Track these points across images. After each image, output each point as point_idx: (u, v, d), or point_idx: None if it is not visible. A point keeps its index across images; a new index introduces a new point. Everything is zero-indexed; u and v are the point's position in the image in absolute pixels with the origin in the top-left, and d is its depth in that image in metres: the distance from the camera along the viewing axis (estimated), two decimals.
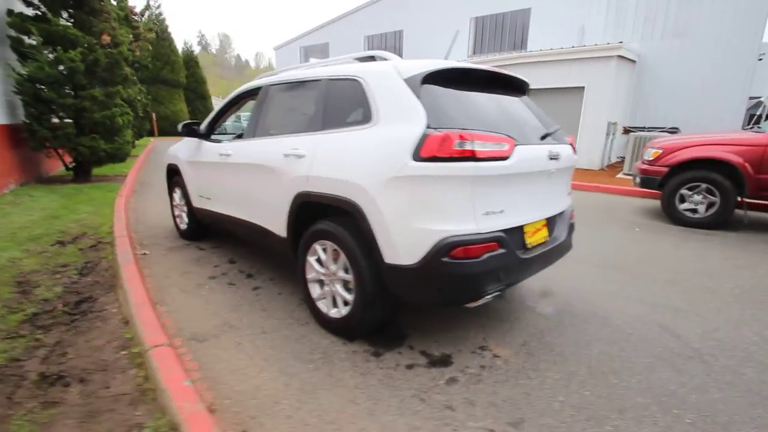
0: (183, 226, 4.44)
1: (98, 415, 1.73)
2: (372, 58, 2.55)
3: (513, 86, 2.60)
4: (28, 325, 2.50)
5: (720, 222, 4.95)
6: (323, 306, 2.54)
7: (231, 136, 4.11)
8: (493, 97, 2.38)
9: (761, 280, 3.52)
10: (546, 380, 2.09)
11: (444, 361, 2.24)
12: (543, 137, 2.36)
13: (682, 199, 5.21)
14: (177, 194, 4.45)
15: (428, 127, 1.94)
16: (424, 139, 1.92)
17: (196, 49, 34.09)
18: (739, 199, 4.85)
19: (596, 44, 11.24)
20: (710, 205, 5.03)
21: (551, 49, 12.05)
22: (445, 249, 1.91)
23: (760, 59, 11.65)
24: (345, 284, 2.38)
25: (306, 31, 23.10)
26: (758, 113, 13.23)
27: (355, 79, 2.34)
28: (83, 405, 1.80)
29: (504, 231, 2.05)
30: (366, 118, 2.22)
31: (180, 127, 3.74)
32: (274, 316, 2.74)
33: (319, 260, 2.52)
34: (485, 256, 1.96)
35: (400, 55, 16.38)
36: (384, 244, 2.05)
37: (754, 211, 5.90)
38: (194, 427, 1.53)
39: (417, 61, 2.20)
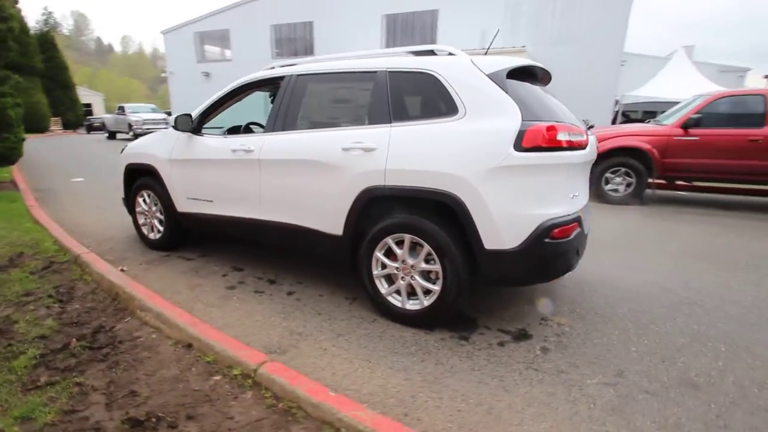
0: (154, 236, 3.85)
1: None
2: (432, 53, 2.59)
3: (544, 79, 2.84)
4: (45, 370, 2.01)
5: (636, 199, 6.10)
6: (395, 300, 2.53)
7: (219, 130, 3.70)
8: (539, 89, 2.60)
9: (691, 241, 4.49)
10: (611, 337, 2.44)
11: (524, 335, 2.44)
12: (589, 128, 2.70)
13: (607, 182, 6.27)
14: (144, 199, 3.84)
15: (523, 119, 2.10)
16: (525, 130, 2.07)
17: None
18: (649, 180, 6.03)
19: (503, 47, 12.59)
20: (628, 185, 6.15)
21: (463, 49, 13.10)
22: (546, 231, 2.11)
23: (622, 65, 14.32)
24: (425, 275, 2.41)
25: (201, 15, 21.03)
26: (616, 110, 16.16)
27: (429, 73, 2.37)
28: None
29: (578, 212, 2.32)
30: (450, 110, 2.28)
31: (176, 119, 3.25)
32: (335, 317, 2.63)
33: (388, 255, 2.50)
34: (573, 234, 2.21)
35: (311, 48, 16.39)
36: (485, 231, 2.15)
37: (660, 189, 7.33)
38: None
39: (492, 58, 2.33)
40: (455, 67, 2.32)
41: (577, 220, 2.26)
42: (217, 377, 1.90)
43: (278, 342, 2.31)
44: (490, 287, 2.99)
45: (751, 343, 2.39)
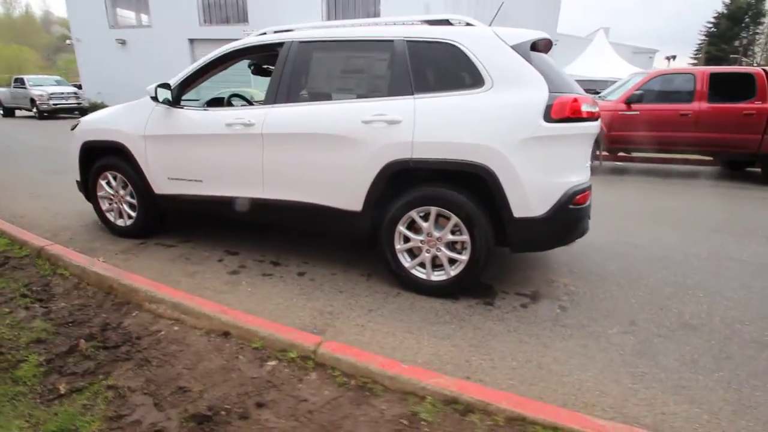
0: (123, 222, 3.46)
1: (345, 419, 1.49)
2: (447, 22, 2.55)
3: (546, 49, 2.90)
4: (61, 377, 1.77)
5: None
6: (419, 273, 2.56)
7: (197, 102, 3.36)
8: (551, 60, 2.67)
9: (641, 205, 5.05)
10: (612, 293, 2.71)
11: (539, 296, 2.62)
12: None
13: None
14: (108, 182, 3.41)
15: (550, 91, 2.19)
16: (553, 102, 2.16)
17: None
18: (597, 152, 6.60)
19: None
20: None
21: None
22: (570, 197, 2.25)
23: (555, 44, 15.20)
24: (451, 246, 2.47)
25: None
26: None
27: (451, 43, 2.35)
28: (299, 424, 1.50)
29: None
30: (475, 82, 2.29)
31: (152, 88, 2.87)
32: (358, 294, 2.60)
33: (411, 228, 2.51)
34: (588, 200, 2.39)
35: (245, 16, 15.29)
36: (515, 200, 2.24)
37: (607, 161, 8.02)
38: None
39: (512, 30, 2.36)
40: (479, 38, 2.33)
41: (590, 187, 2.43)
42: (273, 362, 1.81)
43: (311, 322, 2.24)
44: (513, 254, 3.11)
45: (720, 288, 2.79)
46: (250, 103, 3.65)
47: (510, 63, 2.26)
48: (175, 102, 2.99)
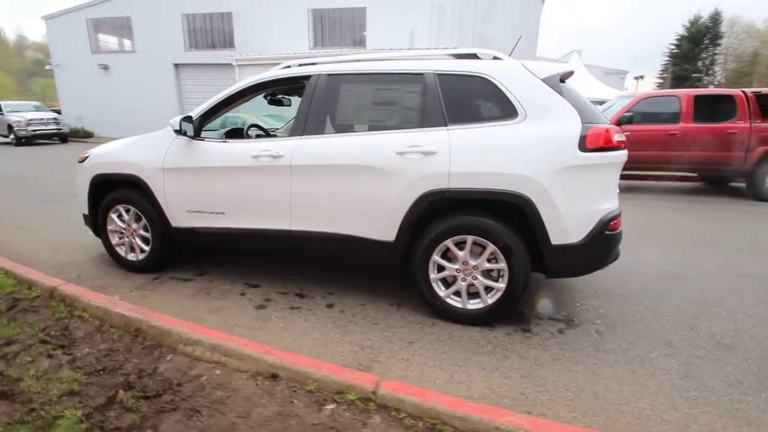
0: (136, 257, 3.34)
1: None
2: (475, 56, 2.62)
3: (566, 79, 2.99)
4: None
5: None
6: (454, 302, 2.55)
7: (215, 133, 3.32)
8: (574, 89, 2.75)
9: (636, 223, 5.20)
10: (641, 314, 2.75)
11: (573, 321, 2.64)
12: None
13: None
14: (119, 215, 3.30)
15: (583, 122, 2.26)
16: (586, 132, 2.23)
17: None
18: None
19: (437, 47, 13.11)
20: None
21: (400, 49, 13.37)
22: (606, 224, 2.31)
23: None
24: (487, 274, 2.47)
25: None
26: None
27: (482, 77, 2.41)
28: None
29: None
30: (508, 113, 2.35)
31: (177, 121, 2.82)
32: (393, 325, 2.56)
33: (445, 257, 2.51)
34: (621, 226, 2.44)
35: (231, 41, 15.51)
36: (553, 228, 2.28)
37: None
38: None
39: (540, 63, 2.45)
40: (510, 72, 2.40)
41: (620, 213, 2.50)
42: (331, 406, 1.75)
43: (355, 359, 2.19)
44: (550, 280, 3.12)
45: (739, 305, 2.87)
46: (267, 133, 3.63)
47: (542, 95, 2.33)
48: (196, 134, 2.95)
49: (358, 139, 2.58)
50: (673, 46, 43.92)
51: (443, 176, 2.36)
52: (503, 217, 2.39)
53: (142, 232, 3.27)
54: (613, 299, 2.97)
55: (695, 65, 40.03)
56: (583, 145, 2.23)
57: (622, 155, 2.36)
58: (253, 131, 3.61)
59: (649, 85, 41.75)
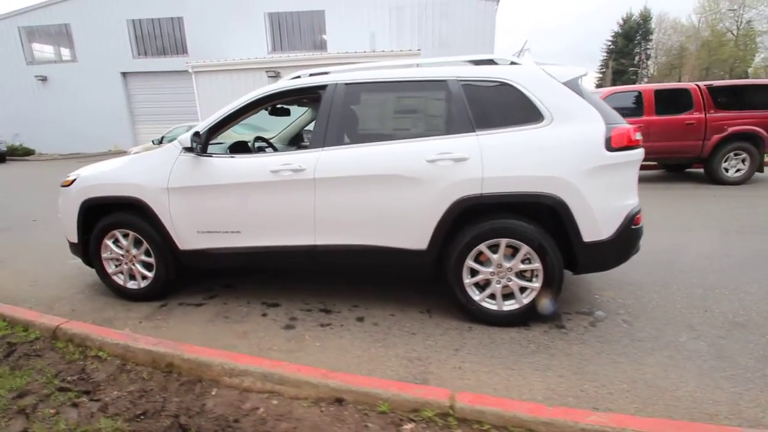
0: (137, 284, 3.11)
1: None
2: (492, 62, 2.66)
3: None
4: None
5: None
6: (489, 304, 2.57)
7: (219, 146, 3.14)
8: (589, 90, 2.86)
9: None
10: (656, 301, 2.91)
11: (598, 313, 2.74)
12: None
13: None
14: (115, 241, 3.05)
15: (606, 123, 2.36)
16: (610, 133, 2.33)
17: None
18: None
19: (401, 50, 13.22)
20: None
21: (365, 51, 13.36)
22: (631, 219, 2.42)
23: None
24: (521, 275, 2.52)
25: (28, 6, 16.86)
26: None
27: (506, 82, 2.45)
28: None
29: None
30: (534, 117, 2.40)
31: (188, 138, 2.64)
32: (432, 334, 2.55)
33: (479, 261, 2.53)
34: (642, 221, 2.57)
35: (183, 47, 15.08)
36: (584, 226, 2.35)
37: None
38: None
39: (559, 67, 2.53)
40: (532, 76, 2.46)
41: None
42: (409, 425, 1.70)
43: (408, 372, 2.15)
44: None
45: (737, 285, 3.11)
46: (272, 146, 3.50)
47: (565, 98, 2.40)
48: (203, 150, 2.78)
49: (385, 148, 2.54)
50: (609, 43, 47.02)
51: (476, 182, 2.38)
52: (532, 218, 2.45)
53: (143, 257, 3.04)
54: (625, 288, 3.13)
55: (631, 60, 43.16)
56: (609, 145, 2.33)
57: (641, 153, 2.49)
58: (258, 144, 3.46)
59: (590, 80, 44.40)
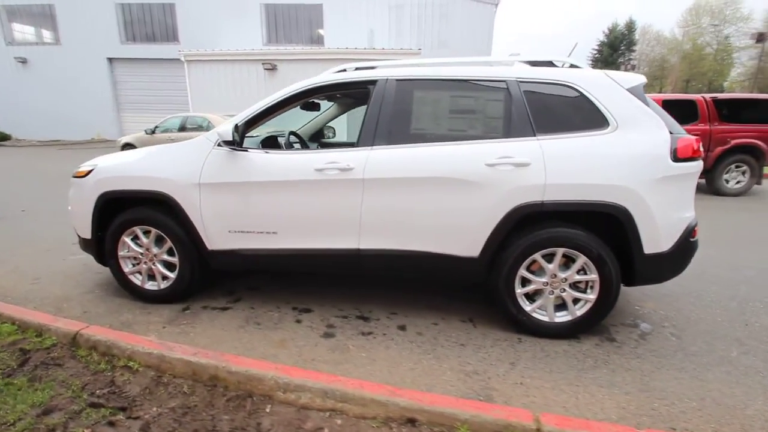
0: (157, 285, 2.90)
1: None
2: (551, 63, 2.56)
3: None
4: None
5: None
6: (540, 315, 2.49)
7: (251, 141, 2.95)
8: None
9: None
10: (697, 313, 2.88)
11: (645, 326, 2.69)
12: None
13: None
14: (133, 238, 2.84)
15: (671, 132, 2.30)
16: (676, 143, 2.27)
17: None
18: None
19: (401, 48, 13.08)
20: None
21: (365, 48, 13.16)
22: (690, 231, 2.37)
23: None
24: (575, 286, 2.44)
25: None
26: None
27: (569, 85, 2.36)
28: None
29: None
30: (598, 123, 2.32)
31: (230, 131, 2.45)
32: (482, 345, 2.44)
33: (530, 270, 2.44)
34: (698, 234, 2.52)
35: (174, 34, 14.68)
36: (647, 237, 2.29)
37: None
38: None
39: (622, 73, 2.45)
40: (596, 81, 2.37)
41: None
42: None
43: (469, 388, 2.04)
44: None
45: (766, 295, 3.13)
46: (303, 142, 3.32)
47: (630, 105, 2.33)
48: (238, 144, 2.59)
49: (439, 149, 2.41)
50: (595, 51, 48.10)
51: (539, 188, 2.28)
52: (586, 227, 2.37)
53: (165, 256, 2.83)
54: (663, 300, 3.09)
55: (616, 69, 44.21)
56: (675, 156, 2.27)
57: (701, 165, 2.44)
58: (283, 140, 3.28)
59: None
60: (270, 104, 2.65)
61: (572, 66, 2.54)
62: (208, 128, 9.32)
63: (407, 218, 2.46)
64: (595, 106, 2.33)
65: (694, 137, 2.37)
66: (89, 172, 2.86)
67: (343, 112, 3.90)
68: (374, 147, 2.47)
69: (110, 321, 2.67)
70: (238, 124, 2.55)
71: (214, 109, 11.15)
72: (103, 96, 16.97)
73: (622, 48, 47.46)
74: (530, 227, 2.38)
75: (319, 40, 16.51)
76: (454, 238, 2.44)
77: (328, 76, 2.66)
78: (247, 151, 2.64)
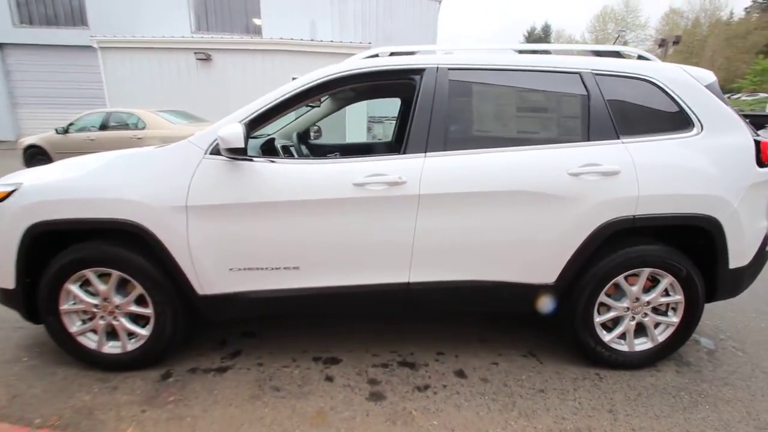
0: (120, 347, 2.11)
1: None
2: (618, 54, 2.21)
3: None
4: None
5: None
6: (620, 345, 2.16)
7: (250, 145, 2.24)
8: None
9: None
10: (740, 319, 2.78)
11: (681, 358, 2.40)
12: None
13: None
14: (80, 287, 2.03)
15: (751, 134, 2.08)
16: (760, 146, 2.05)
17: None
18: None
19: (351, 41, 12.43)
20: None
21: (311, 40, 12.29)
22: (765, 242, 2.18)
23: None
24: (656, 309, 2.15)
25: None
26: None
27: (648, 80, 2.04)
28: None
29: None
30: (682, 125, 2.03)
31: (242, 134, 1.75)
32: (562, 389, 2.05)
33: (607, 294, 2.11)
34: None
35: (82, 17, 12.81)
36: (734, 250, 2.04)
37: None
38: None
39: (696, 69, 2.18)
40: (675, 76, 2.07)
41: None
42: None
43: None
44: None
45: None
46: (308, 146, 2.66)
47: (712, 105, 2.07)
48: (244, 151, 1.91)
49: (512, 156, 1.95)
50: None
51: (631, 201, 1.93)
52: (671, 242, 2.09)
53: (133, 307, 2.06)
54: (707, 309, 2.94)
55: None
56: (760, 160, 2.05)
57: None
58: (279, 146, 2.61)
59: None
60: (281, 99, 1.99)
61: (640, 57, 2.23)
62: (137, 126, 7.96)
63: (470, 242, 1.98)
64: (679, 105, 2.04)
65: None
66: (9, 194, 1.97)
67: (338, 109, 3.30)
68: (427, 154, 1.95)
69: (57, 408, 1.86)
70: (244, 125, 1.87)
71: (135, 104, 9.64)
72: None
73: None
74: (613, 245, 2.03)
75: (256, 31, 15.22)
76: (528, 262, 2.01)
77: (359, 62, 2.07)
78: (252, 160, 1.97)
